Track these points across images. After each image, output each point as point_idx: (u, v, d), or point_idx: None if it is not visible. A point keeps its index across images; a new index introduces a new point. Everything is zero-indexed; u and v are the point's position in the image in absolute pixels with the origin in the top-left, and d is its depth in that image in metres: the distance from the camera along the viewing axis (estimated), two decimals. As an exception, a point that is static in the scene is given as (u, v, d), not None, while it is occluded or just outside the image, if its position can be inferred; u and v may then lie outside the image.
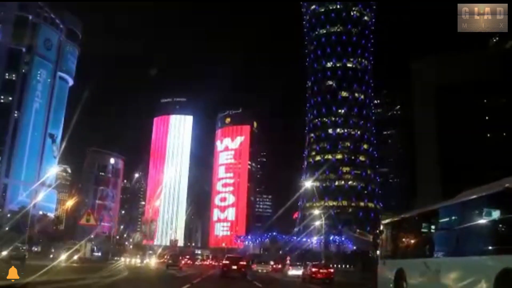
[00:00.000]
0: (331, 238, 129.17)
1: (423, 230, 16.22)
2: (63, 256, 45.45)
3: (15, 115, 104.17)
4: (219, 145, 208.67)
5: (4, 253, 41.18)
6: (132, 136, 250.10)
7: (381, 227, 20.23)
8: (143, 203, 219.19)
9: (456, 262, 12.68)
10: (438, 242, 14.57)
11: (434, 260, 14.01)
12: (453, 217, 13.92)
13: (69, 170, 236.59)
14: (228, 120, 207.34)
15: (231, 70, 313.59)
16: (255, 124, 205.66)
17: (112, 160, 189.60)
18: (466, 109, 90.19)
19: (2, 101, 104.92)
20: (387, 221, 20.23)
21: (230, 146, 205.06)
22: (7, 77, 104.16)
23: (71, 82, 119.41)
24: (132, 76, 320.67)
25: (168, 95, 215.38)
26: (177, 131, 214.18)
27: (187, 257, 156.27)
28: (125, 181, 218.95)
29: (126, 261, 62.44)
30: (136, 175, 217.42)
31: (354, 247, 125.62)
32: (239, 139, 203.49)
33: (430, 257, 14.34)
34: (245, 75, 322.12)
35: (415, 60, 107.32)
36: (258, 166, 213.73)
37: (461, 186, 15.35)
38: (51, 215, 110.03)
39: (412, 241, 16.77)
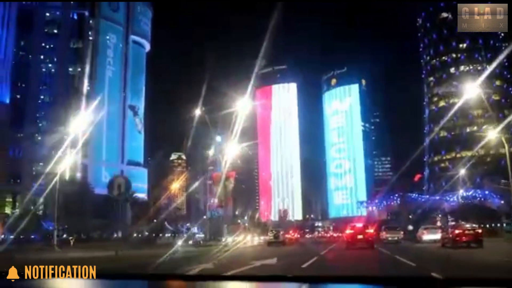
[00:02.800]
0: (470, 193, 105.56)
1: None
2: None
3: (87, 87, 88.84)
4: (328, 109, 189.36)
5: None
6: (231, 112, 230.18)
7: None
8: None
9: None
10: None
11: None
12: None
13: (183, 157, 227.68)
14: (333, 81, 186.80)
15: (329, 27, 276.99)
16: (363, 82, 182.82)
17: (218, 138, 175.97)
18: None
19: (70, 73, 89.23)
20: None
21: (339, 109, 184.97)
22: (72, 46, 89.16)
23: (147, 47, 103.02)
24: (222, 45, 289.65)
25: (267, 65, 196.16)
26: (281, 101, 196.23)
27: (306, 230, 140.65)
28: (238, 161, 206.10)
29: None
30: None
31: (502, 201, 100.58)
32: (348, 100, 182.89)
33: None
34: (345, 29, 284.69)
35: None
36: (372, 127, 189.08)
37: None
38: (143, 196, 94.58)
39: None
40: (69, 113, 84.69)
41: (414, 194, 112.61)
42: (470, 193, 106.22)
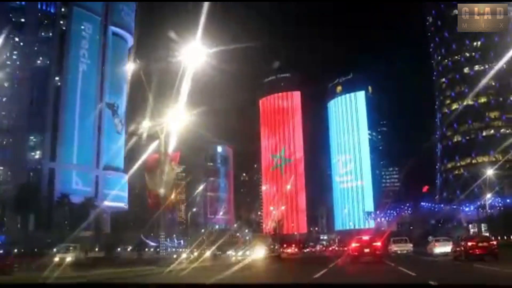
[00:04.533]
0: (489, 202, 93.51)
1: None
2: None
3: (57, 82, 76.69)
4: (333, 117, 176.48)
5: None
6: (235, 121, 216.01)
7: None
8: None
9: None
10: None
11: None
12: None
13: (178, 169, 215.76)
14: (339, 88, 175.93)
15: (334, 32, 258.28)
16: (370, 89, 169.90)
17: (219, 149, 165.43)
18: None
19: (38, 65, 77.11)
20: None
21: (345, 118, 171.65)
22: (42, 35, 77.62)
23: (130, 40, 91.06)
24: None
25: (270, 74, 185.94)
26: (286, 110, 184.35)
27: (311, 243, 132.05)
28: (244, 174, 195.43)
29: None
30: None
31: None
32: (354, 108, 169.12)
33: None
34: (350, 33, 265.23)
35: None
36: (379, 136, 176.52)
37: None
38: (123, 205, 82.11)
39: None
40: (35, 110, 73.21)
41: (428, 204, 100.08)
42: (489, 201, 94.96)
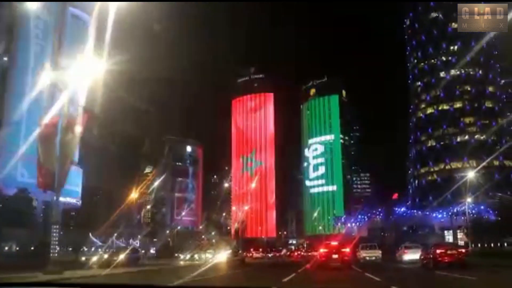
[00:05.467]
0: (462, 208, 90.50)
1: None
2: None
3: (4, 62, 69.24)
4: (306, 120, 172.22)
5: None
6: (206, 121, 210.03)
7: None
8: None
9: None
10: None
11: None
12: None
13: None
14: (312, 91, 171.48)
15: (310, 35, 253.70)
16: (343, 92, 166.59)
17: (188, 148, 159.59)
18: None
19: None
20: None
21: (317, 121, 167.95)
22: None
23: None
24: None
25: (244, 74, 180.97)
26: (258, 111, 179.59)
27: (280, 247, 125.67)
28: (214, 176, 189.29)
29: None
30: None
31: (499, 218, 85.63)
32: (327, 112, 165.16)
33: None
34: (326, 35, 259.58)
35: None
36: (352, 141, 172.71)
37: None
38: (75, 201, 75.05)
39: None
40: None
41: (400, 209, 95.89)
42: (462, 208, 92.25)
